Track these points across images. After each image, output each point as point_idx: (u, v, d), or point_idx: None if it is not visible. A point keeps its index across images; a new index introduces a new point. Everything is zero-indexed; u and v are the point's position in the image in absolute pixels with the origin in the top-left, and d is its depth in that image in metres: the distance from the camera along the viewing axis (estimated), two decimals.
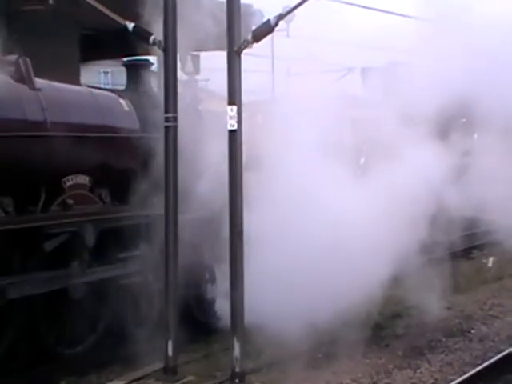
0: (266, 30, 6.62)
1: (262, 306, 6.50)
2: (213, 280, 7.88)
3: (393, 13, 12.54)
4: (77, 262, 7.01)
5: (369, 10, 15.03)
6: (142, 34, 6.71)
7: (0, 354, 6.35)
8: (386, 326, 7.98)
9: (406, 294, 7.73)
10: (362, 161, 8.13)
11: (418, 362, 7.03)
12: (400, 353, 7.27)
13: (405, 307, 8.34)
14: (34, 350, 6.67)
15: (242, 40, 6.40)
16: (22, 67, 6.87)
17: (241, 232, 6.28)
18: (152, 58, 8.50)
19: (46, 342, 6.80)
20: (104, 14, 6.54)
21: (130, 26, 6.63)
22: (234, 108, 6.37)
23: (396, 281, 7.55)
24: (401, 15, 10.85)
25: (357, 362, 6.93)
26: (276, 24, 6.60)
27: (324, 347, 7.14)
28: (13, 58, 6.87)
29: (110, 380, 6.44)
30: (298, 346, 6.99)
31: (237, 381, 6.17)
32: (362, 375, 6.64)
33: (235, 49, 6.37)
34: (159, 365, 6.44)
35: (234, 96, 6.37)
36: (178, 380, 6.26)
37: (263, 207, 6.80)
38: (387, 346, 7.48)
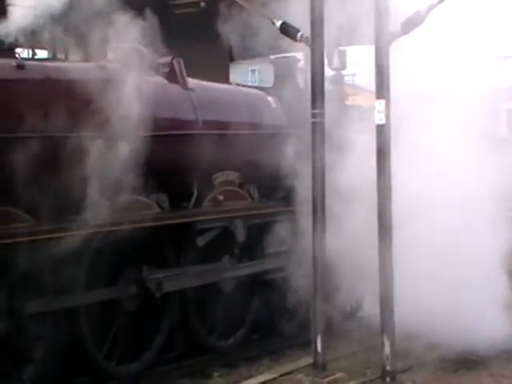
0: (415, 21, 6.44)
1: (409, 307, 6.33)
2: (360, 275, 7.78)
3: None
4: (227, 257, 7.19)
5: None
6: (289, 31, 6.75)
7: (158, 343, 6.64)
8: None
9: None
10: None
11: None
12: None
13: None
14: (188, 342, 6.92)
15: (390, 32, 6.27)
16: (176, 68, 7.15)
17: (390, 230, 6.16)
18: (299, 55, 8.53)
19: (199, 334, 7.03)
20: (252, 13, 6.64)
21: (278, 23, 6.70)
22: (383, 102, 6.26)
23: None
24: None
25: None
26: (427, 14, 6.41)
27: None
28: (167, 59, 7.18)
29: (261, 373, 6.55)
30: (449, 348, 6.77)
31: (388, 379, 6.06)
32: None
33: (384, 42, 6.25)
34: (308, 360, 6.46)
35: (382, 90, 6.26)
36: (327, 376, 6.24)
37: (413, 205, 6.61)
38: None
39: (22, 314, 5.76)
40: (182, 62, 7.21)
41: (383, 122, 6.26)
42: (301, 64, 8.52)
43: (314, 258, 6.34)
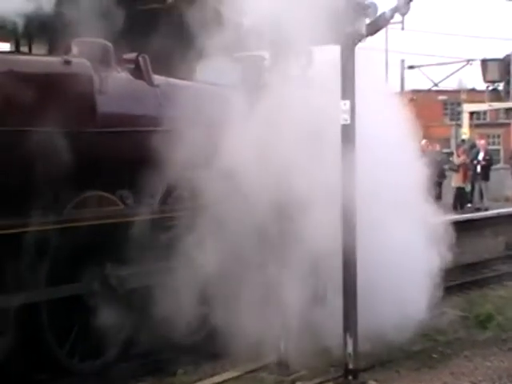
0: (381, 23, 6.49)
1: (370, 305, 6.39)
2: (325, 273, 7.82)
3: None
4: None
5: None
6: None
7: (121, 340, 6.59)
8: (509, 329, 7.65)
9: None
10: None
11: None
12: None
13: None
14: (150, 338, 6.88)
15: (355, 34, 6.31)
16: (142, 64, 7.10)
17: (354, 228, 6.20)
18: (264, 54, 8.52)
19: (162, 333, 6.99)
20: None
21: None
22: (347, 102, 6.30)
23: None
24: None
25: (476, 364, 6.68)
26: (391, 17, 6.46)
27: (440, 347, 6.94)
28: (133, 55, 7.12)
29: (225, 371, 6.54)
30: (411, 346, 6.84)
31: (350, 378, 6.10)
32: (482, 378, 6.38)
33: (349, 43, 6.29)
34: (272, 358, 6.48)
35: (347, 91, 6.30)
36: (290, 374, 6.26)
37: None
38: (510, 349, 7.16)
39: None
40: (147, 59, 7.16)
41: (348, 122, 6.30)
42: (266, 63, 8.52)
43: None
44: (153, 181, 6.74)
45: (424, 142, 14.92)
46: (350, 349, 6.06)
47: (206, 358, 6.82)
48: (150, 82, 7.15)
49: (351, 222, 6.16)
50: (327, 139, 6.53)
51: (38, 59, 6.65)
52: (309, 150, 6.44)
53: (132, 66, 7.15)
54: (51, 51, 7.02)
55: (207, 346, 6.79)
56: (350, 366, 6.10)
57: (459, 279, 10.44)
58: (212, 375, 6.51)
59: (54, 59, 6.56)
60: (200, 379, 6.43)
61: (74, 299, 6.35)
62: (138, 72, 7.12)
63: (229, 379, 6.37)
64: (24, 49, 7.12)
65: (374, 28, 6.46)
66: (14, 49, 7.15)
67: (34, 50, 7.30)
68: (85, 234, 6.18)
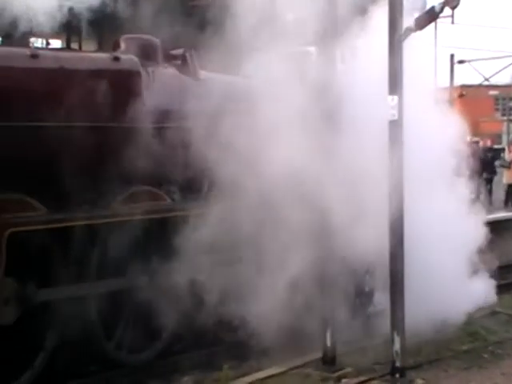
0: (429, 16, 6.39)
1: (419, 304, 6.31)
2: (372, 271, 7.75)
3: None
4: None
5: None
6: None
7: (167, 334, 6.66)
8: None
9: None
10: None
11: None
12: None
13: None
14: (196, 333, 6.93)
15: (404, 28, 6.23)
16: (188, 60, 7.14)
17: (401, 222, 6.13)
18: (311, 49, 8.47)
19: (209, 327, 7.03)
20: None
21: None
22: (395, 98, 6.21)
23: None
24: None
25: None
26: (441, 10, 6.36)
27: (490, 347, 6.81)
28: (180, 51, 7.17)
29: (270, 366, 6.54)
30: (460, 345, 6.73)
31: (397, 376, 6.03)
32: None
33: (397, 37, 6.20)
34: (317, 354, 6.45)
35: (395, 86, 6.22)
36: (336, 371, 6.22)
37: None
38: None
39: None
40: (194, 54, 7.20)
41: (396, 117, 6.22)
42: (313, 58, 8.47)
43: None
44: (198, 176, 6.78)
45: (470, 137, 14.66)
46: (397, 346, 5.99)
47: (251, 354, 6.84)
48: (197, 78, 7.19)
49: (399, 219, 6.10)
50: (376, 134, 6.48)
51: (88, 56, 6.75)
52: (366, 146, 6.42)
53: (179, 61, 7.20)
54: (100, 48, 7.11)
55: (252, 342, 6.79)
56: (397, 364, 6.03)
57: (510, 278, 10.23)
58: (257, 370, 6.51)
59: (104, 55, 6.65)
60: (245, 374, 6.43)
61: (122, 292, 6.43)
62: (185, 67, 7.16)
63: (274, 375, 6.36)
64: (74, 45, 7.23)
65: (422, 22, 6.36)
66: (64, 45, 7.26)
67: (83, 47, 7.41)
68: (140, 228, 6.24)
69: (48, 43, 6.75)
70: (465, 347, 6.85)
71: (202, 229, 6.37)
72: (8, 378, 5.71)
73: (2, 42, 6.06)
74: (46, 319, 5.95)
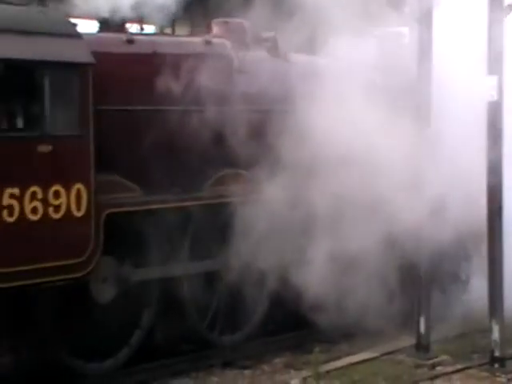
0: None
1: None
2: (468, 257, 7.56)
3: None
4: None
5: None
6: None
7: (258, 319, 6.69)
8: None
9: None
10: None
11: None
12: None
13: None
14: (287, 317, 6.93)
15: (505, 4, 6.01)
16: (278, 42, 7.10)
17: (500, 209, 5.95)
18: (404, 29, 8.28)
19: (297, 310, 7.02)
20: None
21: None
22: (495, 78, 6.01)
23: None
24: None
25: None
26: None
27: None
28: (270, 34, 7.15)
29: (361, 351, 6.48)
30: None
31: (496, 366, 5.87)
32: None
33: (498, 14, 5.99)
34: (410, 341, 6.34)
35: (495, 65, 6.01)
36: (431, 358, 6.10)
37: None
38: None
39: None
40: (285, 37, 7.15)
41: (495, 98, 6.02)
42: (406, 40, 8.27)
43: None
44: (283, 158, 6.73)
45: None
46: (495, 335, 5.82)
47: (342, 337, 6.79)
48: (287, 60, 7.15)
49: (496, 205, 5.92)
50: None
51: (181, 40, 6.81)
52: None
53: (269, 44, 7.18)
54: (193, 32, 7.16)
55: (344, 326, 6.74)
56: (496, 354, 5.86)
57: None
58: (348, 354, 6.46)
59: (196, 40, 6.69)
60: (336, 358, 6.39)
61: (214, 274, 6.49)
62: (275, 50, 7.13)
63: (366, 359, 6.30)
64: (168, 30, 7.31)
65: None
66: (158, 30, 7.36)
67: (176, 31, 7.49)
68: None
69: (142, 28, 6.85)
70: None
71: (296, 211, 6.35)
72: (106, 355, 5.87)
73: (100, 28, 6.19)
74: (142, 298, 6.07)
